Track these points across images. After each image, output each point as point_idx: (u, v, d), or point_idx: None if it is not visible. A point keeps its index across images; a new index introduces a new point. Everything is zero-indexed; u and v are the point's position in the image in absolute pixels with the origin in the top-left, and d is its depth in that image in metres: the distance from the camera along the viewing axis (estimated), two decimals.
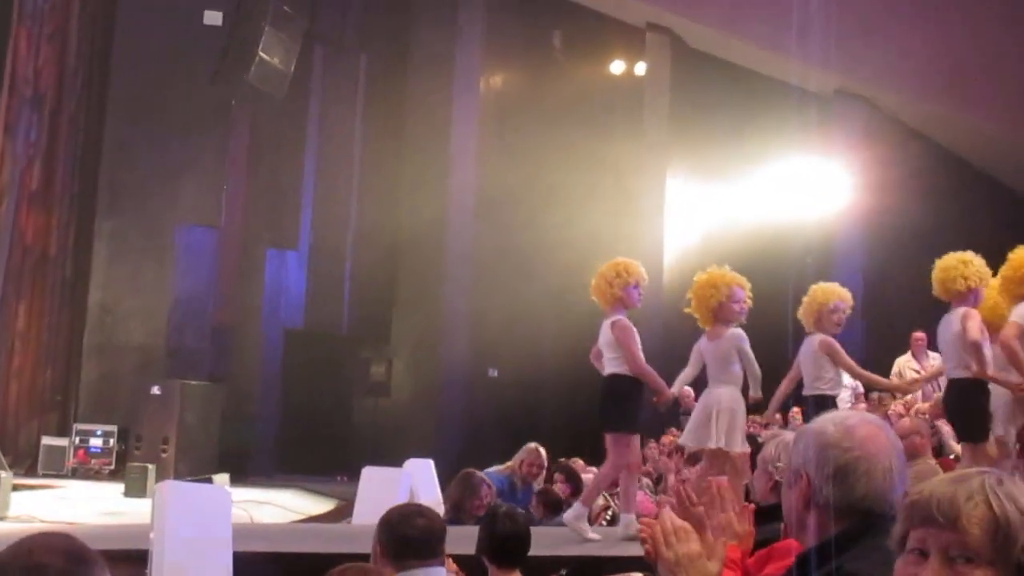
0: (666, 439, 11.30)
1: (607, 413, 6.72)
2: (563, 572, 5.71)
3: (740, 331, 6.82)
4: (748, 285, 6.93)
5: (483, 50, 17.35)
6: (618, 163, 16.26)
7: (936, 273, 6.89)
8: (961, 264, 6.79)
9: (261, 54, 14.92)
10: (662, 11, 16.38)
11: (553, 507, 7.82)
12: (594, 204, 15.78)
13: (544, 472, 8.85)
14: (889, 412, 9.69)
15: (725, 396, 6.63)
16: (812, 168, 15.67)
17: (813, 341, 7.27)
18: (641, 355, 6.73)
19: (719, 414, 6.53)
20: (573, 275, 11.76)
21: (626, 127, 16.60)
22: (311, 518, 11.21)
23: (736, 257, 14.61)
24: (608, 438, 6.72)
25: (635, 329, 6.79)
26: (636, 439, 6.86)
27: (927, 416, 8.82)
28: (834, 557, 1.96)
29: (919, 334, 10.97)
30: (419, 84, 17.54)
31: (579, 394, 12.23)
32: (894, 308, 14.68)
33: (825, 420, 2.18)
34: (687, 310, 7.01)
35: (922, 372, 10.22)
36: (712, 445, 6.53)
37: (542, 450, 8.86)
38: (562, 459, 10.02)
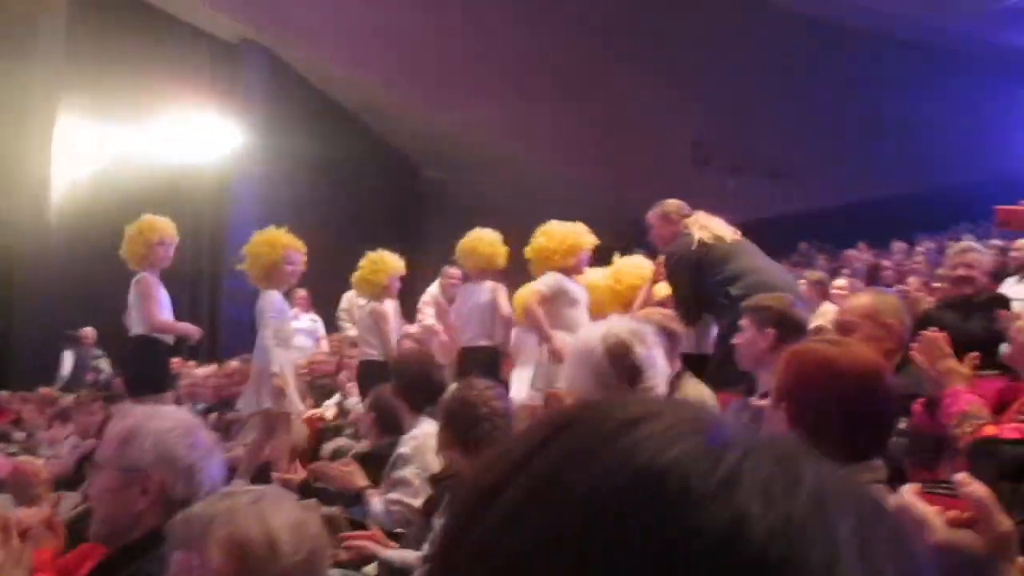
0: None
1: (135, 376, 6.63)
2: None
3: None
4: (304, 249, 6.64)
5: None
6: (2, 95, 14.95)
7: (483, 247, 7.15)
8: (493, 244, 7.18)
9: None
10: None
11: None
12: None
13: None
14: None
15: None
16: (213, 114, 15.63)
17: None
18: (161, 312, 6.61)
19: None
20: None
21: (16, 56, 15.28)
22: None
23: (133, 198, 14.37)
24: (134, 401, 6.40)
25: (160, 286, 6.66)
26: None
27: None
28: None
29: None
30: None
31: None
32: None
33: None
34: (239, 267, 6.62)
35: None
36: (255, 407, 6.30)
37: None
38: None
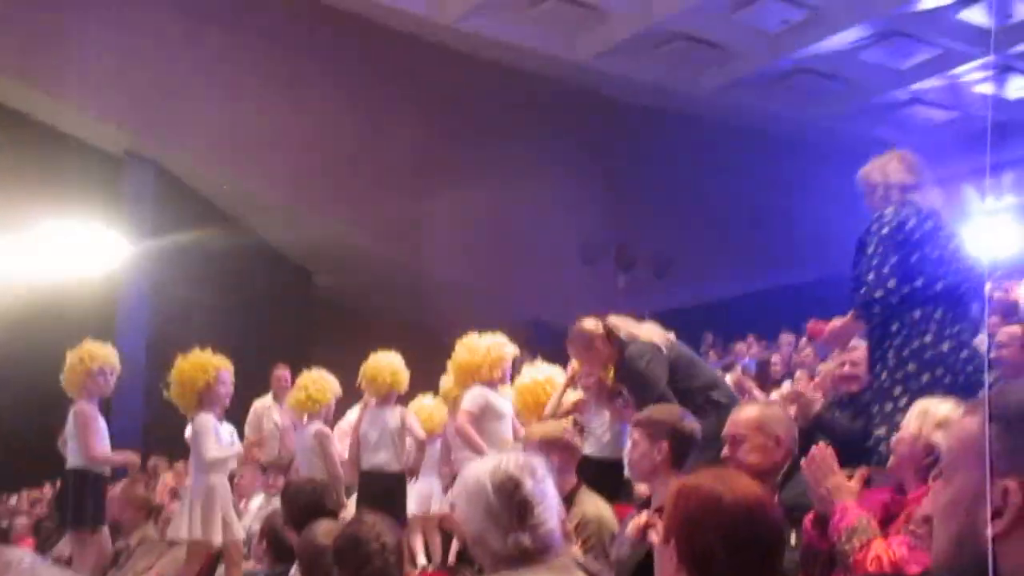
0: None
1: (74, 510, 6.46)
2: None
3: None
4: (231, 368, 6.58)
5: None
6: None
7: (384, 374, 7.03)
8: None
9: None
10: None
11: None
12: None
13: None
14: None
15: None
16: (97, 227, 15.34)
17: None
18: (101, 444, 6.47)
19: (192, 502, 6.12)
20: None
21: None
22: None
23: (10, 317, 14.02)
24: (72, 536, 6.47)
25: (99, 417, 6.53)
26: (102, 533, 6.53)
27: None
28: None
29: (282, 372, 9.43)
30: None
31: None
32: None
33: None
34: (168, 395, 6.49)
35: (281, 421, 8.86)
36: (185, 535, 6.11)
37: None
38: None
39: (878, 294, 4.15)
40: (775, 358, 11.64)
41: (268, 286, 17.18)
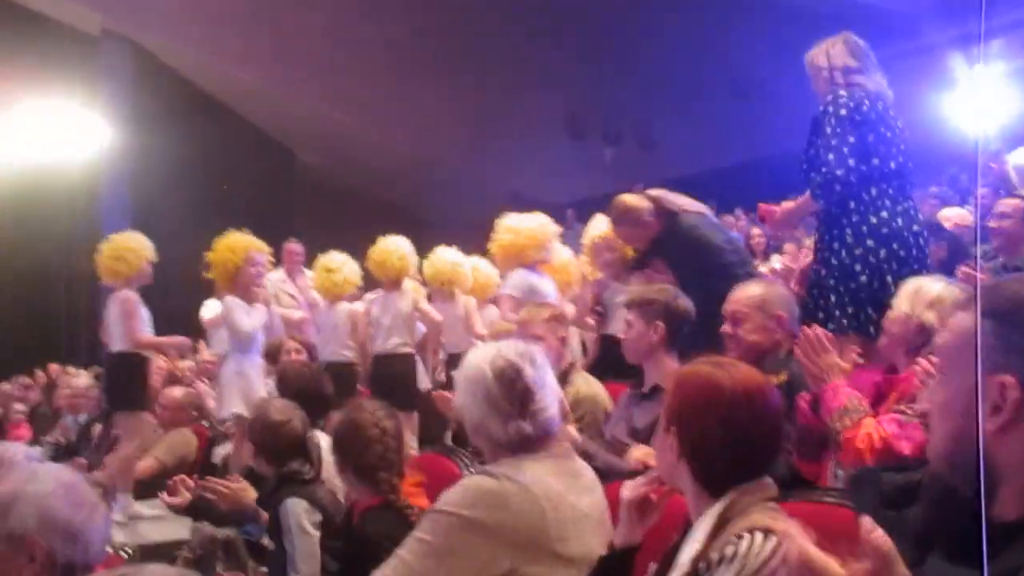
0: None
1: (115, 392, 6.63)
2: None
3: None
4: (267, 249, 6.70)
5: None
6: None
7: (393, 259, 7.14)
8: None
9: None
10: None
11: None
12: None
13: None
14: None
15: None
16: (76, 108, 15.09)
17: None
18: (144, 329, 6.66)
19: None
20: None
21: None
22: None
23: None
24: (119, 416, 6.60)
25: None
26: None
27: None
28: None
29: (294, 246, 8.94)
30: None
31: None
32: (162, 252, 14.88)
33: None
34: (207, 274, 6.66)
35: (299, 295, 8.49)
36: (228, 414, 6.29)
37: None
38: None
39: (839, 172, 4.19)
40: (755, 231, 11.66)
41: (251, 165, 17.04)
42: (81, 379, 9.51)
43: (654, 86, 17.58)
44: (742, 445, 1.95)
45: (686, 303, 4.01)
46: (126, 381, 6.73)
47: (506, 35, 16.53)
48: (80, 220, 15.22)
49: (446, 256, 7.41)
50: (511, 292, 6.24)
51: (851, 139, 4.21)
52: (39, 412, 10.65)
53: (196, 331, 13.12)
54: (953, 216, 6.32)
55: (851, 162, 4.19)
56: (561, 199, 16.83)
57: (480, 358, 2.53)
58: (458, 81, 16.63)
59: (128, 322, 6.62)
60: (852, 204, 4.24)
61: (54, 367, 12.09)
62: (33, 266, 15.26)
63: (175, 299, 14.50)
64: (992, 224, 5.39)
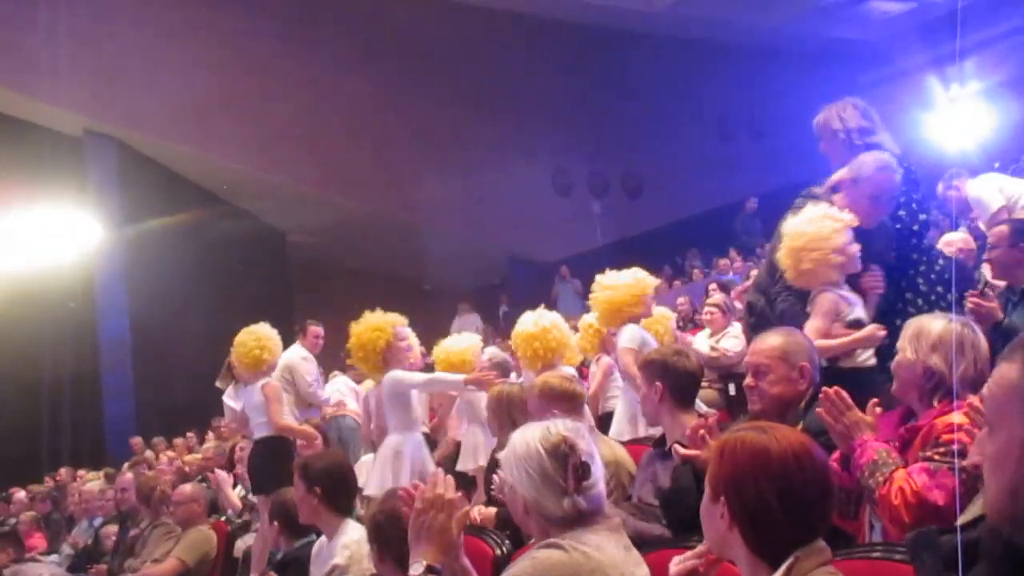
0: None
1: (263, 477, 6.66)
2: None
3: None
4: (406, 321, 6.58)
5: None
6: None
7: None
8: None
9: None
10: None
11: None
12: None
13: None
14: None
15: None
16: (67, 211, 15.16)
17: None
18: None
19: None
20: None
21: None
22: None
23: None
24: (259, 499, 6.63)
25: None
26: None
27: None
28: None
29: (317, 328, 8.82)
30: None
31: None
32: (163, 346, 14.88)
33: None
34: (350, 362, 6.74)
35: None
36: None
37: None
38: None
39: (915, 227, 4.46)
40: (756, 270, 11.65)
41: (243, 250, 17.06)
42: (94, 483, 9.44)
43: (639, 134, 17.73)
44: (797, 508, 1.93)
45: (686, 361, 4.00)
46: (274, 465, 6.67)
47: (491, 97, 16.70)
48: (75, 320, 15.22)
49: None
50: (629, 345, 6.15)
51: (917, 195, 4.49)
52: (51, 518, 10.56)
53: (202, 421, 13.11)
54: (956, 241, 6.30)
55: (922, 216, 4.49)
56: (554, 256, 16.89)
57: (529, 435, 2.52)
58: (445, 145, 16.74)
59: (274, 407, 6.81)
60: (914, 255, 4.46)
61: (64, 471, 12.01)
62: (33, 371, 15.25)
63: (177, 387, 14.54)
64: (985, 256, 5.47)
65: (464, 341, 7.25)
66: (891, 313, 4.37)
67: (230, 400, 8.19)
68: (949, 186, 7.89)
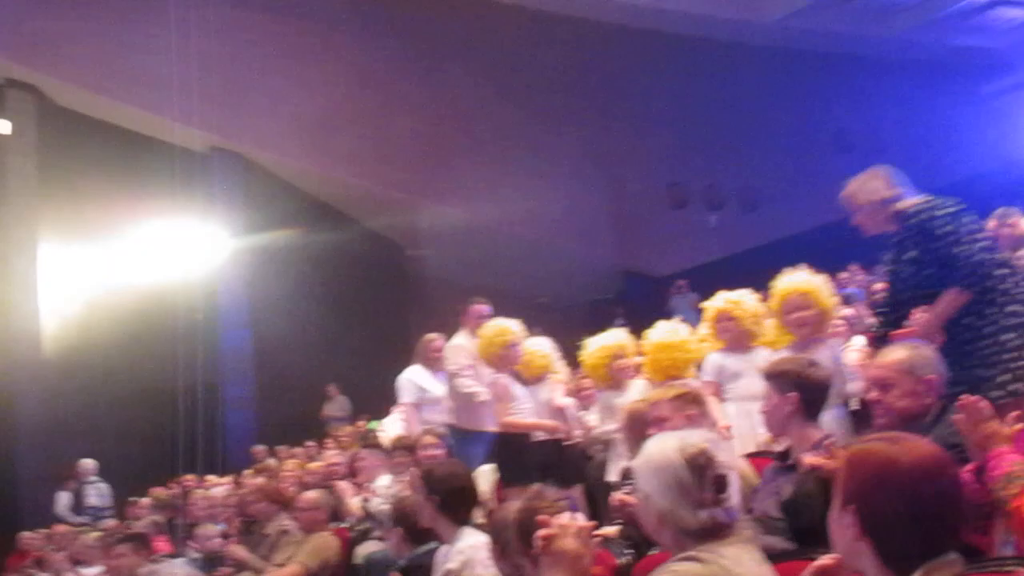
0: None
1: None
2: None
3: None
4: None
5: None
6: None
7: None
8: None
9: None
10: (24, 68, 15.44)
11: None
12: None
13: None
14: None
15: None
16: (193, 224, 15.65)
17: None
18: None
19: None
20: None
21: None
22: None
23: (122, 321, 14.40)
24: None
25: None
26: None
27: None
28: None
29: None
30: None
31: None
32: (283, 357, 15.24)
33: None
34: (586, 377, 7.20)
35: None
36: None
37: None
38: None
39: (984, 258, 4.47)
40: (877, 285, 11.40)
41: (361, 264, 17.36)
42: (218, 489, 9.68)
43: (754, 147, 17.50)
44: (928, 521, 1.91)
45: (819, 372, 3.96)
46: (513, 457, 6.81)
47: (607, 113, 16.68)
48: (200, 331, 15.65)
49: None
50: (709, 378, 6.14)
51: (974, 226, 4.55)
52: (174, 524, 10.86)
53: (318, 432, 13.37)
54: None
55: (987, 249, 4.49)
56: (669, 269, 16.80)
57: (666, 446, 2.52)
58: (562, 160, 16.77)
59: (500, 405, 6.95)
60: (988, 296, 4.44)
61: (189, 478, 12.35)
62: (163, 380, 15.70)
63: (296, 398, 14.88)
64: None
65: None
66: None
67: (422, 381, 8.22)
68: (1004, 224, 7.73)
